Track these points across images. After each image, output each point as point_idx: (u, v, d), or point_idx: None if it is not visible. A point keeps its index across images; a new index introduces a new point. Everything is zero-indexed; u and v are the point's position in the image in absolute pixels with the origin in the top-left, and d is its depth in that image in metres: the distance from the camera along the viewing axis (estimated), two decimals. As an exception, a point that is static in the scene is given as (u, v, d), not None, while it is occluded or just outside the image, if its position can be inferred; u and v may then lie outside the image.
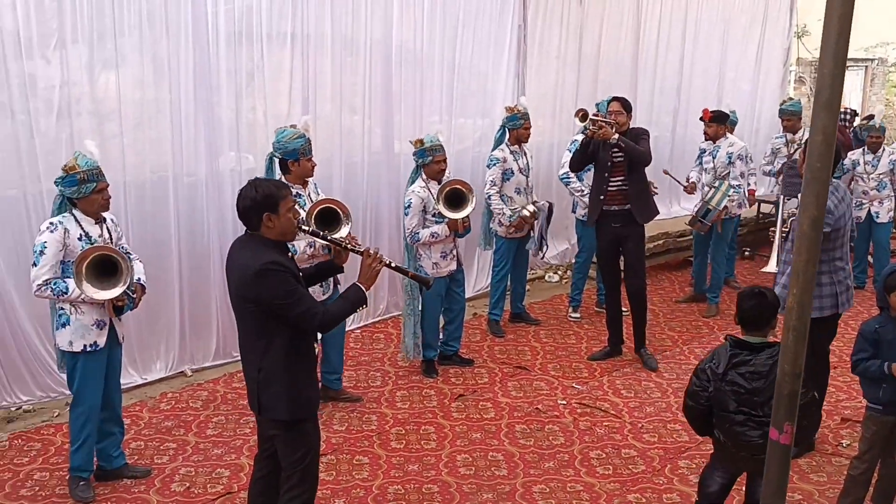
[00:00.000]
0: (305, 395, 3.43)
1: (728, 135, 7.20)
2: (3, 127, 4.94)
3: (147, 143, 5.55)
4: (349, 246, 3.66)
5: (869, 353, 4.02)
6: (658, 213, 6.15)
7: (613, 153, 5.70)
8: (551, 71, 8.17)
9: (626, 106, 5.80)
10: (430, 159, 5.59)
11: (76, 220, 4.12)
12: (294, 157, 4.92)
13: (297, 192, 4.95)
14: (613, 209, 5.81)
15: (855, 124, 8.83)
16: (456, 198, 5.64)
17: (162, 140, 5.58)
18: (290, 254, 3.47)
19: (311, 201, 4.98)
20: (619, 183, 5.76)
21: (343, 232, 4.89)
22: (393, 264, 3.68)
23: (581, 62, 8.34)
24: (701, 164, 7.38)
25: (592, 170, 6.17)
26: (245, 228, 3.35)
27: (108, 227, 4.30)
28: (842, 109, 7.26)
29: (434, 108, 7.15)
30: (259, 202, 3.22)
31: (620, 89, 8.02)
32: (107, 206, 4.27)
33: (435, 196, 5.59)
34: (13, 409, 5.21)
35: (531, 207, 6.48)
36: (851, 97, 16.13)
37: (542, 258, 7.22)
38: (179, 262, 5.73)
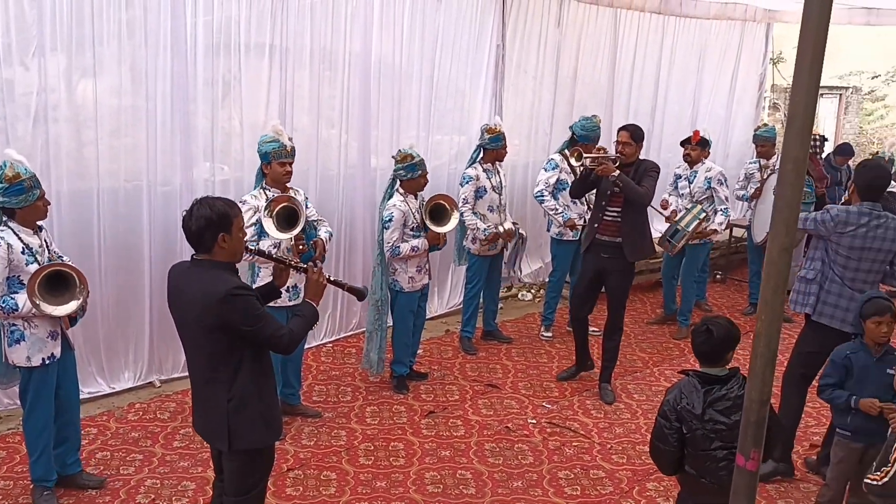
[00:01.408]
0: (276, 417, 3.38)
1: (705, 160, 7.25)
2: (-21, 131, 4.88)
3: (122, 151, 5.51)
4: (292, 263, 3.60)
5: (835, 380, 4.07)
6: (653, 252, 5.92)
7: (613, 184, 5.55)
8: (528, 91, 8.24)
9: (634, 136, 5.56)
10: (419, 173, 5.60)
11: (14, 232, 4.00)
12: (266, 160, 4.97)
13: (274, 196, 4.98)
14: (604, 239, 5.66)
15: (826, 151, 8.96)
16: (438, 212, 5.67)
17: (137, 148, 5.54)
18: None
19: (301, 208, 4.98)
20: (615, 214, 5.60)
21: (301, 224, 4.90)
22: (332, 279, 3.64)
23: (558, 83, 8.40)
24: (677, 189, 7.38)
25: (567, 189, 6.18)
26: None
27: (45, 237, 4.22)
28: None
29: (411, 124, 7.16)
30: (215, 222, 3.10)
31: (596, 111, 8.08)
32: (47, 212, 4.18)
33: (413, 210, 5.61)
34: (-22, 416, 5.14)
35: (508, 224, 6.53)
36: (826, 124, 16.46)
37: (516, 276, 7.26)
38: (150, 271, 5.68)
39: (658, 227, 8.96)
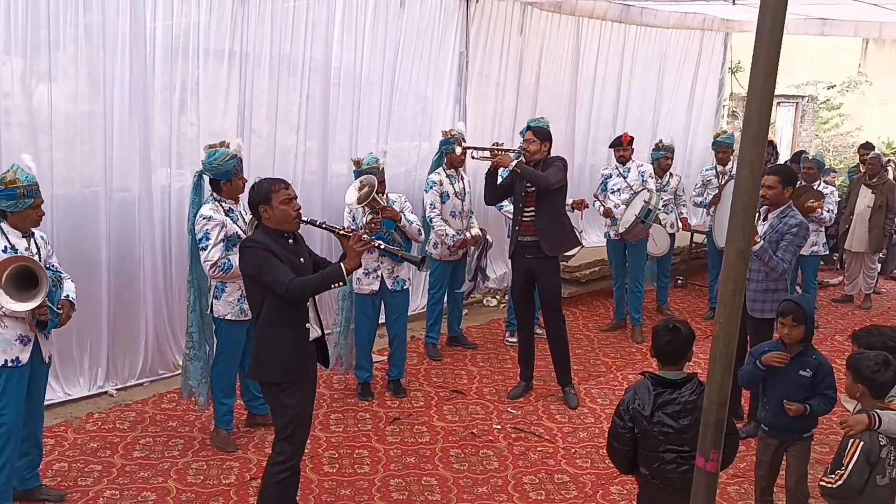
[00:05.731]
0: (287, 362, 3.76)
1: (633, 158, 7.42)
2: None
3: (79, 157, 5.44)
4: (340, 232, 3.97)
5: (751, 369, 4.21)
6: (577, 244, 5.96)
7: (526, 184, 5.58)
8: (491, 98, 8.27)
9: (538, 134, 5.62)
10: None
11: (2, 231, 4.05)
12: (227, 177, 4.86)
13: (229, 207, 4.90)
14: (526, 240, 5.68)
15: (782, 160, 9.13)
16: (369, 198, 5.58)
17: (94, 154, 5.47)
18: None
19: (244, 216, 4.94)
20: (531, 213, 5.65)
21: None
22: (382, 246, 4.12)
23: (520, 90, 8.45)
24: (606, 188, 7.42)
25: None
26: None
27: (35, 242, 4.20)
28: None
29: (372, 131, 7.15)
30: (254, 198, 3.77)
31: (558, 118, 8.18)
32: (39, 221, 4.23)
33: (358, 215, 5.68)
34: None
35: (476, 230, 6.55)
36: (783, 132, 16.80)
37: (479, 288, 7.27)
38: (108, 278, 5.60)
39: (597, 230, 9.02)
